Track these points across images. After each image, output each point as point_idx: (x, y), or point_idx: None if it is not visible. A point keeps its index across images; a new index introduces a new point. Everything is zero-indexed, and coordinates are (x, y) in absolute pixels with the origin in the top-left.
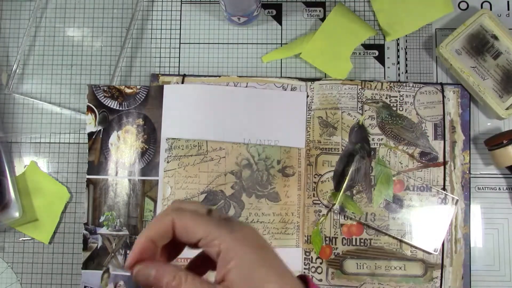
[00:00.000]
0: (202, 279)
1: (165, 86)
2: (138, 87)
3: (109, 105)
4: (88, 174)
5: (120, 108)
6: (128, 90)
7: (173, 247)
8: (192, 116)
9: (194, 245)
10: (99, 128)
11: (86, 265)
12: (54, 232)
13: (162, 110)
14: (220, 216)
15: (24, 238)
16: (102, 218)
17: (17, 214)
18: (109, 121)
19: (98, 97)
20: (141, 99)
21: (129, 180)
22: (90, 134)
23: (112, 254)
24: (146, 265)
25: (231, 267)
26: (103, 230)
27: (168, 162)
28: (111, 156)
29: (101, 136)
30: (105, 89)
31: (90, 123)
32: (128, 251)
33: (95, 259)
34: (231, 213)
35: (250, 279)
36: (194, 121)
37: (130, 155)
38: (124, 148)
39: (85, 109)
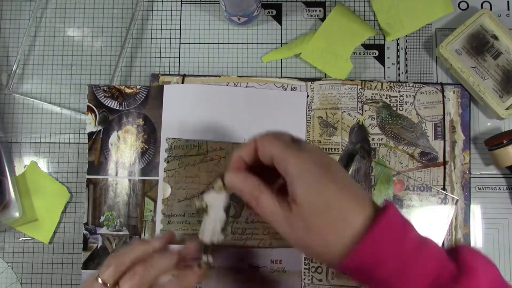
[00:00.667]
0: (276, 194)
1: (165, 86)
2: (138, 87)
3: (109, 105)
4: (88, 174)
5: (120, 108)
6: (128, 90)
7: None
8: (192, 116)
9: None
10: (99, 128)
11: (86, 265)
12: (54, 232)
13: (162, 110)
14: (292, 138)
15: (24, 238)
16: (102, 218)
17: (17, 214)
18: (109, 121)
19: (98, 97)
20: (141, 99)
21: (129, 180)
22: (90, 134)
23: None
24: (236, 173)
25: (298, 183)
26: (103, 230)
27: (168, 162)
28: (111, 156)
29: (101, 136)
30: (105, 89)
31: (90, 123)
32: None
33: (95, 259)
34: (231, 213)
35: (317, 193)
36: (194, 121)
37: (130, 155)
38: (124, 148)
39: (85, 109)
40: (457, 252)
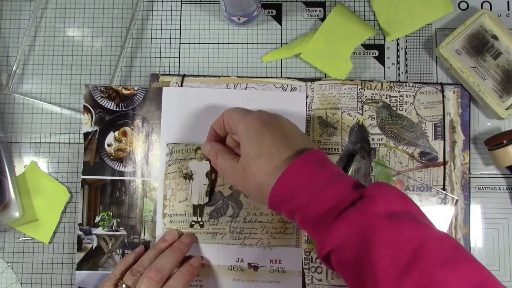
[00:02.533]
0: (231, 155)
1: (164, 88)
2: (136, 88)
3: (106, 106)
4: (83, 174)
5: (117, 109)
6: (125, 91)
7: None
8: (191, 119)
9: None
10: (95, 128)
11: (81, 266)
12: (54, 232)
13: (161, 113)
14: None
15: (24, 238)
16: (97, 219)
17: (17, 214)
18: (105, 121)
19: (95, 97)
20: (139, 101)
21: (127, 180)
22: (86, 134)
23: (109, 254)
24: (205, 142)
25: (242, 138)
26: (98, 231)
27: (169, 165)
28: (107, 156)
29: (97, 136)
30: (102, 89)
31: (86, 123)
32: (126, 251)
33: (89, 260)
34: (229, 213)
35: (255, 143)
36: (194, 125)
37: (127, 156)
38: (121, 149)
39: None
40: (368, 185)
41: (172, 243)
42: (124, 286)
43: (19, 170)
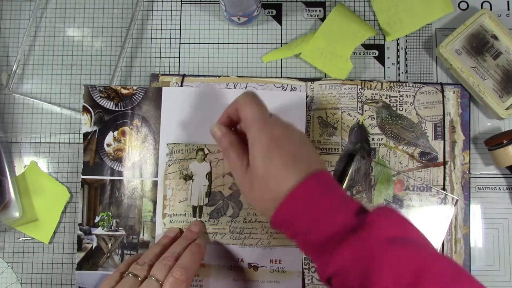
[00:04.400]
0: (242, 155)
1: (163, 88)
2: (135, 87)
3: (105, 106)
4: (83, 175)
5: (116, 109)
6: (124, 91)
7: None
8: (191, 119)
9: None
10: (95, 128)
11: (81, 265)
12: (54, 232)
13: (161, 113)
14: (271, 115)
15: (24, 238)
16: (97, 219)
17: (17, 214)
18: (104, 121)
19: (94, 97)
20: (138, 100)
21: (126, 180)
22: (85, 134)
23: (108, 255)
24: (219, 126)
25: (252, 150)
26: (98, 231)
27: (169, 165)
28: (107, 156)
29: (96, 136)
30: (101, 89)
31: (86, 123)
32: (125, 251)
33: (89, 260)
34: (229, 213)
35: (263, 163)
36: (194, 125)
37: (126, 156)
38: (120, 148)
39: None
40: (370, 211)
41: (174, 239)
42: (130, 275)
43: (19, 170)
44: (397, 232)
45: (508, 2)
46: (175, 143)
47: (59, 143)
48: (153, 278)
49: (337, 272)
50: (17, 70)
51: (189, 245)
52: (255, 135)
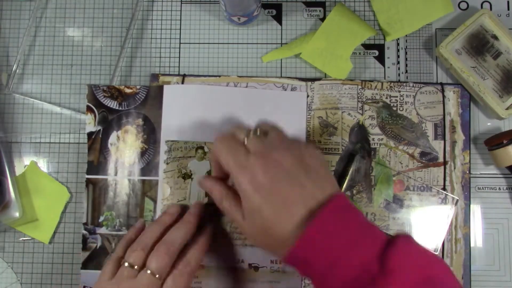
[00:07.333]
0: (236, 204)
1: (165, 86)
2: (138, 87)
3: (108, 105)
4: (87, 174)
5: (120, 108)
6: (127, 90)
7: None
8: (191, 117)
9: None
10: (99, 128)
11: (86, 265)
12: (54, 232)
13: (162, 110)
14: (255, 145)
15: (24, 238)
16: (101, 218)
17: (17, 214)
18: (108, 121)
19: (97, 97)
20: (141, 99)
21: (129, 180)
22: (90, 134)
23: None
24: (206, 178)
25: (243, 201)
26: (102, 230)
27: (167, 163)
28: (111, 156)
29: (100, 136)
30: (105, 89)
31: (90, 123)
32: None
33: (94, 259)
34: None
35: (253, 217)
36: (194, 122)
37: (130, 155)
38: (124, 148)
39: (85, 109)
40: (389, 248)
41: (176, 218)
42: (126, 264)
43: (19, 170)
44: (420, 275)
45: (508, 2)
46: (174, 141)
47: (59, 143)
48: (148, 271)
49: None
50: (17, 70)
51: (189, 229)
52: (238, 187)
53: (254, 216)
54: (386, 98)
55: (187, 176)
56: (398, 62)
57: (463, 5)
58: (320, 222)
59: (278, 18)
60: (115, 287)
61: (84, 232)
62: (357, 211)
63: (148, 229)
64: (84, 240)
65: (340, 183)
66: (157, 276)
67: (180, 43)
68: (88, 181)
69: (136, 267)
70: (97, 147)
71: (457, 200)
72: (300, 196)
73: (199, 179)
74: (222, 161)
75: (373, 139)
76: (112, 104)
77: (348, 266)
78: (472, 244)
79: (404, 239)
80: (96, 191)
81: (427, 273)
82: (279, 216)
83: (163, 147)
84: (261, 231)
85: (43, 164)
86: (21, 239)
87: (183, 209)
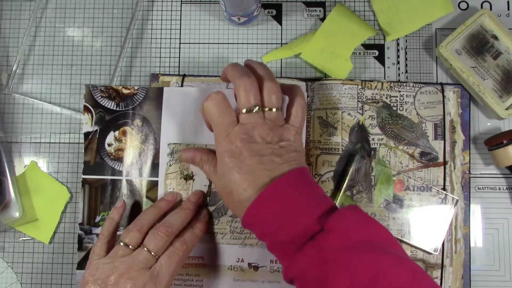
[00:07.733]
0: (216, 166)
1: (165, 88)
2: (136, 87)
3: (106, 106)
4: (83, 174)
5: (117, 109)
6: (125, 91)
7: None
8: (192, 119)
9: None
10: (96, 128)
11: (81, 265)
12: (54, 232)
13: (162, 113)
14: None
15: (24, 238)
16: (98, 218)
17: (17, 214)
18: (105, 121)
19: (95, 97)
20: (139, 100)
21: (126, 180)
22: (86, 134)
23: None
24: (187, 149)
25: (217, 164)
26: (99, 230)
27: (170, 165)
28: (107, 156)
29: (97, 136)
30: (102, 89)
31: (87, 123)
32: None
33: None
34: (230, 213)
35: (224, 178)
36: (194, 125)
37: (127, 156)
38: (121, 148)
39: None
40: (331, 213)
41: (172, 205)
42: (122, 244)
43: (19, 170)
44: (359, 236)
45: (508, 2)
46: (176, 143)
47: (59, 143)
48: (145, 249)
49: (297, 276)
50: (17, 70)
51: (187, 215)
52: (217, 149)
53: (223, 178)
54: (386, 98)
55: (188, 177)
56: (398, 62)
57: (463, 5)
58: (273, 187)
59: (278, 18)
60: (110, 264)
61: (80, 232)
62: (315, 185)
63: (145, 212)
64: (80, 240)
65: (340, 183)
66: (153, 253)
67: (180, 43)
68: (84, 181)
69: (131, 247)
70: (94, 147)
71: (457, 200)
72: (267, 169)
73: (180, 153)
74: (210, 121)
75: (373, 139)
76: (110, 105)
77: (293, 226)
78: (472, 244)
79: (349, 208)
80: (93, 191)
81: (366, 234)
82: (243, 181)
83: (165, 150)
84: (227, 193)
85: (43, 164)
86: (21, 239)
87: (180, 197)
